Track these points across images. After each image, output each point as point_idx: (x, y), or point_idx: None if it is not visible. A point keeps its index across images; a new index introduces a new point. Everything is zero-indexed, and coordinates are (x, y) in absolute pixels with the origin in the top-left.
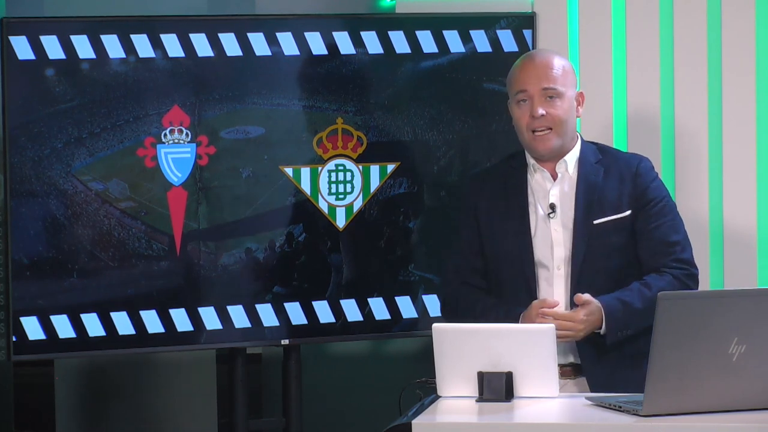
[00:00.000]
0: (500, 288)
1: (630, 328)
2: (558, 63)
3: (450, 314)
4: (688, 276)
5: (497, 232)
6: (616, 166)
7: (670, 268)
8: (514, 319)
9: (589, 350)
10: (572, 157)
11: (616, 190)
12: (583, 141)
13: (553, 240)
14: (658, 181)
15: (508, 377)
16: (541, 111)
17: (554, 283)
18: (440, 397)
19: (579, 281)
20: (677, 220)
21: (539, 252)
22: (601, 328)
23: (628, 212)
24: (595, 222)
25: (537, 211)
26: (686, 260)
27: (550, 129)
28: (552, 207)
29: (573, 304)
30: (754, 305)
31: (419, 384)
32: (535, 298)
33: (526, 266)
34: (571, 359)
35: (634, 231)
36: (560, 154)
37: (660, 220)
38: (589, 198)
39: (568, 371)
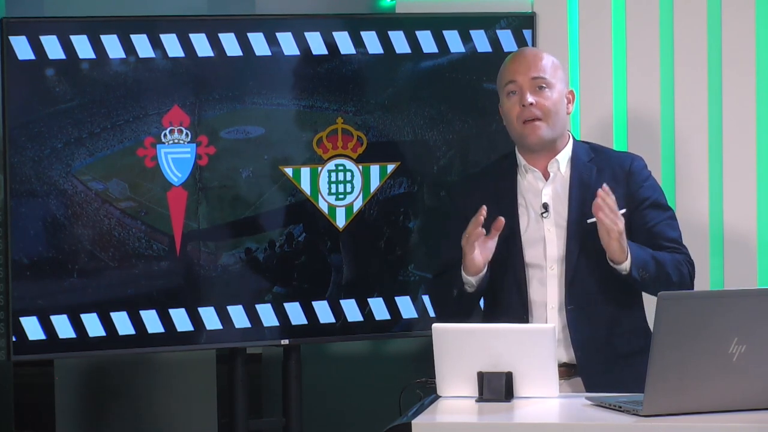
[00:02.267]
0: (492, 290)
1: (648, 271)
2: (547, 57)
3: (441, 312)
4: (690, 263)
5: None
6: (609, 165)
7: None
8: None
9: (585, 349)
10: (564, 157)
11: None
12: (574, 140)
13: (546, 240)
14: (652, 180)
15: (508, 377)
16: (530, 99)
17: (547, 282)
18: (440, 397)
19: (573, 280)
20: (673, 219)
21: (531, 252)
22: (623, 260)
23: (623, 210)
24: (589, 221)
25: (529, 212)
26: (686, 254)
27: (540, 120)
28: (545, 207)
29: (566, 303)
30: (754, 305)
31: (419, 384)
32: (526, 299)
33: (516, 268)
34: (565, 359)
35: (630, 229)
36: (551, 148)
37: (656, 219)
38: (582, 197)
39: (562, 371)
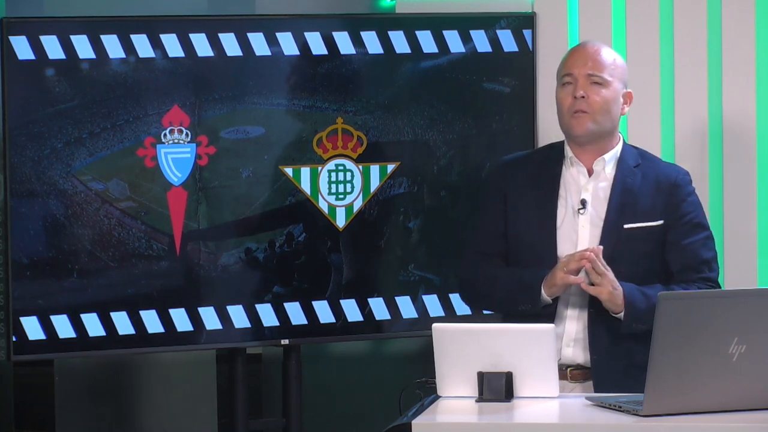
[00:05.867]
0: None
1: (645, 324)
2: (608, 53)
3: (470, 293)
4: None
5: (522, 220)
6: (655, 174)
7: (698, 284)
8: (538, 282)
9: (602, 354)
10: (611, 157)
11: (651, 198)
12: (624, 144)
13: (578, 236)
14: (695, 197)
15: (508, 377)
16: (582, 92)
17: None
18: (440, 397)
19: None
20: (710, 238)
21: (562, 247)
22: (619, 311)
23: (661, 222)
24: (626, 226)
25: (567, 205)
26: (714, 280)
27: (588, 113)
28: (582, 203)
29: (590, 305)
30: (754, 305)
31: (419, 384)
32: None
33: (546, 259)
34: (579, 361)
35: (665, 242)
36: (599, 145)
37: (693, 237)
38: (622, 201)
39: (576, 374)
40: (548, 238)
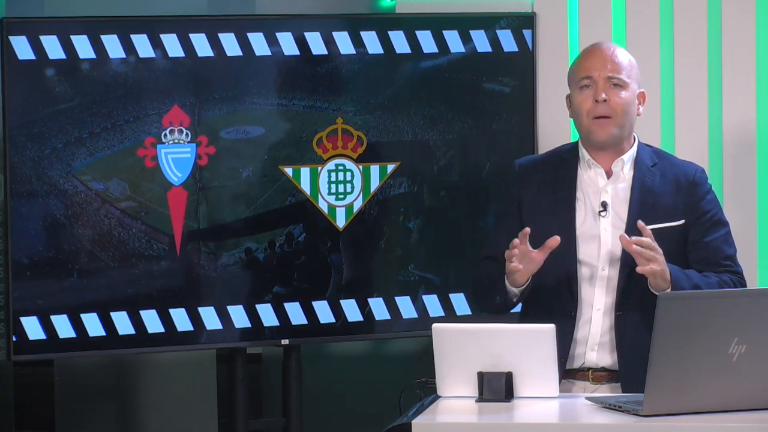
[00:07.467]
0: (540, 284)
1: None
2: (623, 54)
3: (476, 297)
4: (741, 283)
5: (540, 224)
6: (672, 172)
7: (729, 275)
8: (503, 275)
9: (630, 356)
10: (629, 157)
11: (671, 197)
12: (639, 143)
13: (600, 239)
14: (713, 194)
15: (508, 377)
16: (604, 96)
17: (596, 283)
18: (440, 397)
19: (626, 284)
20: (729, 235)
21: (584, 249)
22: (666, 286)
23: (683, 221)
24: (650, 227)
25: (586, 207)
26: (740, 274)
27: (610, 118)
28: (603, 205)
29: (616, 308)
30: (754, 305)
31: (419, 384)
32: (576, 298)
33: (568, 263)
34: (604, 363)
35: (687, 240)
36: (617, 148)
37: (715, 234)
38: (643, 201)
39: (601, 376)
40: (568, 241)
